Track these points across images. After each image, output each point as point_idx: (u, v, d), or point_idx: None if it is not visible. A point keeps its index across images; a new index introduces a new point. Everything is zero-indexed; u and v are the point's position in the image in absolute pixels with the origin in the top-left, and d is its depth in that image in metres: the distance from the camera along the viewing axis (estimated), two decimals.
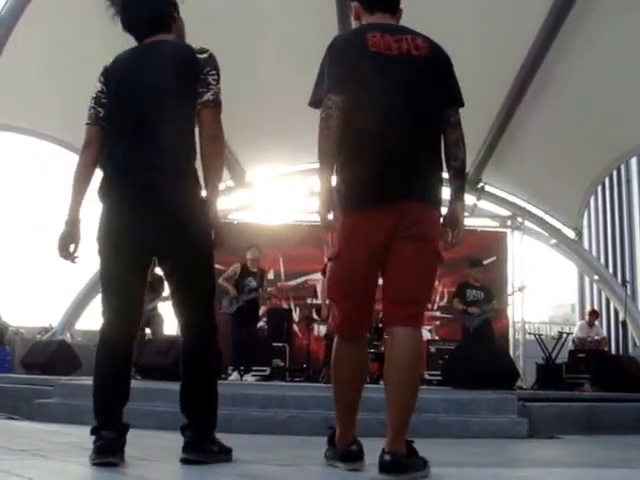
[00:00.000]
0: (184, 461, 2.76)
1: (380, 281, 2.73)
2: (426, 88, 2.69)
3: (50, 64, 10.57)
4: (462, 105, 2.80)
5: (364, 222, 2.61)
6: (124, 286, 2.87)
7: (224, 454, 2.90)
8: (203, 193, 2.90)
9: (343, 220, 2.63)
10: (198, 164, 2.89)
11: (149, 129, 2.83)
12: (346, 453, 2.77)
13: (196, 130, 2.92)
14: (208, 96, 2.85)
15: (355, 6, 2.89)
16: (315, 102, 2.74)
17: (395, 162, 2.60)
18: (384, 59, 2.64)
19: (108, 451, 2.66)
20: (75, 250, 2.96)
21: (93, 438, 2.72)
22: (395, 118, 2.63)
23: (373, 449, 2.69)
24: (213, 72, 2.89)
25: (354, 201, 2.63)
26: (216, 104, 2.87)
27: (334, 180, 2.68)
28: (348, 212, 2.63)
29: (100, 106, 2.96)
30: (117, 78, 2.93)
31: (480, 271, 9.57)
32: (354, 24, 2.96)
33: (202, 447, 2.80)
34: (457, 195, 2.79)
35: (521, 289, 13.25)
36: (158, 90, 2.87)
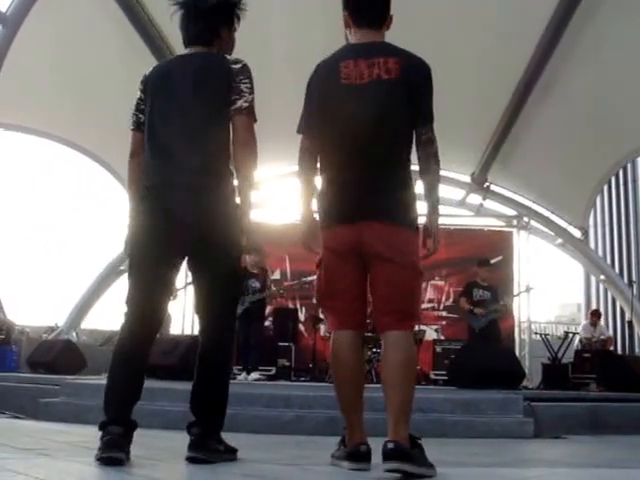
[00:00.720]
0: (190, 459, 2.76)
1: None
2: (392, 111, 2.84)
3: (56, 64, 10.61)
4: (431, 122, 2.90)
5: (335, 238, 2.85)
6: (151, 289, 2.90)
7: (230, 454, 2.91)
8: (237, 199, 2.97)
9: (323, 232, 2.91)
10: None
11: (187, 136, 2.91)
12: (352, 452, 2.76)
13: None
14: (241, 103, 2.94)
15: (345, 15, 3.02)
16: (299, 131, 3.01)
17: (357, 185, 2.81)
18: (354, 90, 2.83)
19: (115, 446, 2.66)
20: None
21: (100, 433, 2.73)
22: (359, 143, 2.82)
23: (379, 448, 2.69)
24: (246, 81, 2.97)
25: (325, 219, 2.90)
26: (249, 111, 2.96)
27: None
28: (323, 228, 2.91)
29: (141, 112, 3.08)
30: (153, 88, 3.04)
31: (488, 270, 9.54)
32: (345, 32, 3.08)
33: (208, 446, 2.81)
34: (431, 209, 2.92)
35: (527, 290, 13.22)
36: (193, 99, 2.95)
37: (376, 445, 2.75)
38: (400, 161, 2.87)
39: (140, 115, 3.07)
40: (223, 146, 2.95)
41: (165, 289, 2.97)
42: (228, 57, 3.07)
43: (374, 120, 2.81)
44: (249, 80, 2.98)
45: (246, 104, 2.94)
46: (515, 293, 13.31)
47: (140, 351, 2.90)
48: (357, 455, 2.75)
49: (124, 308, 2.93)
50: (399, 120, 2.84)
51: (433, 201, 2.92)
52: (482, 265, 9.51)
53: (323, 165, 2.93)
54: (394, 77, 2.80)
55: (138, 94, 3.11)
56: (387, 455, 2.48)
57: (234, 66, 2.99)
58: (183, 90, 2.97)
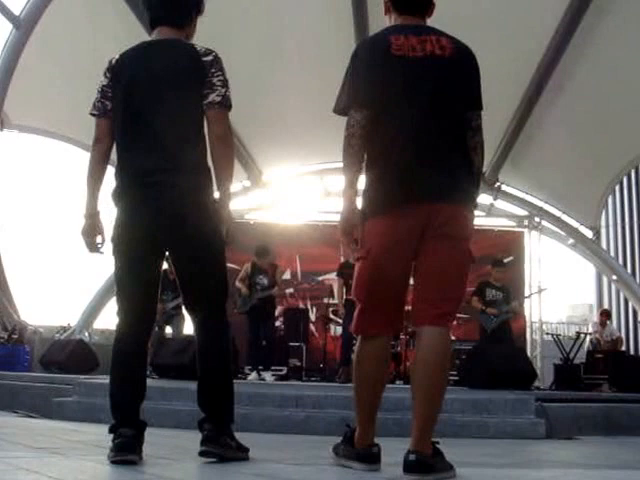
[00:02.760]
0: (203, 453, 2.77)
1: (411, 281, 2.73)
2: (451, 89, 2.70)
3: (70, 66, 10.67)
4: (482, 109, 2.79)
5: (395, 223, 2.62)
6: (138, 286, 2.91)
7: (242, 451, 2.91)
8: (215, 192, 2.95)
9: (374, 221, 2.65)
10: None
11: (159, 130, 2.87)
12: (365, 454, 2.72)
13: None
14: (213, 97, 2.88)
15: (386, 2, 2.89)
16: (338, 110, 2.78)
17: (424, 164, 2.63)
18: (408, 61, 2.66)
19: (127, 449, 2.68)
20: (102, 242, 3.02)
21: (112, 436, 2.75)
22: (422, 121, 2.66)
23: (389, 449, 2.70)
24: (218, 74, 2.91)
25: (384, 203, 2.64)
26: (222, 105, 2.90)
27: (362, 185, 2.72)
28: (378, 214, 2.65)
29: (107, 99, 2.99)
30: (125, 77, 2.96)
31: (501, 271, 9.51)
32: (385, 19, 2.94)
33: (221, 440, 2.81)
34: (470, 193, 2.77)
35: (539, 292, 13.15)
36: (167, 91, 2.90)
37: (383, 443, 2.76)
38: (462, 139, 2.74)
39: (107, 102, 2.98)
40: (198, 141, 2.90)
41: (151, 285, 2.96)
42: (198, 48, 2.97)
43: (434, 95, 2.67)
44: (222, 72, 2.92)
45: (219, 98, 2.89)
46: (527, 294, 13.28)
47: (138, 351, 2.93)
48: (369, 456, 2.70)
49: (116, 309, 2.94)
50: (456, 98, 2.72)
51: (473, 193, 2.79)
52: (496, 265, 9.48)
53: (375, 143, 2.69)
54: (448, 55, 2.70)
55: (104, 81, 3.00)
56: (409, 467, 2.43)
57: (205, 58, 2.92)
58: (158, 83, 2.90)
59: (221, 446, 2.80)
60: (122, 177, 2.92)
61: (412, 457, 2.42)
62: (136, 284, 2.91)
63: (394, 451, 2.58)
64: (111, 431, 2.77)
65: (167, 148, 2.85)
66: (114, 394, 2.88)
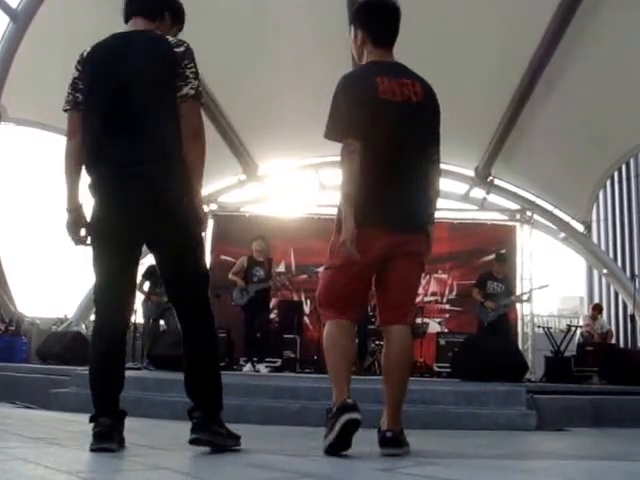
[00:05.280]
0: (193, 441, 2.80)
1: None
2: (419, 130, 3.14)
3: (68, 59, 10.63)
4: (439, 144, 3.24)
5: (365, 239, 2.99)
6: (117, 278, 2.95)
7: (233, 439, 2.94)
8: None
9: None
10: None
11: (129, 120, 2.87)
12: (341, 407, 2.87)
13: None
14: (187, 90, 2.88)
15: (361, 34, 3.23)
16: (332, 138, 3.09)
17: (391, 195, 3.06)
18: (391, 106, 3.06)
19: (105, 437, 2.73)
20: (87, 233, 3.01)
21: (92, 425, 2.79)
22: (394, 156, 3.07)
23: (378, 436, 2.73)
24: (191, 65, 2.91)
25: (358, 222, 2.98)
26: (195, 98, 2.91)
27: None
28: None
29: (77, 91, 3.00)
30: (94, 66, 2.97)
31: (502, 265, 9.62)
32: (353, 48, 3.30)
33: (211, 428, 2.85)
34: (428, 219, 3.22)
35: (542, 287, 13.20)
36: (136, 80, 2.89)
37: (377, 437, 2.83)
38: (425, 173, 3.17)
39: (77, 94, 2.98)
40: (172, 132, 2.88)
41: (129, 277, 3.02)
42: (170, 39, 2.98)
43: (407, 136, 3.09)
44: (193, 64, 2.92)
45: (192, 91, 2.89)
46: (527, 290, 13.31)
47: (116, 342, 2.96)
48: (346, 407, 2.86)
49: (94, 299, 2.99)
50: (422, 138, 3.15)
51: (431, 214, 3.23)
52: (499, 259, 9.65)
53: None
54: (421, 100, 3.11)
55: (76, 73, 3.01)
56: (387, 442, 2.94)
57: (177, 49, 2.91)
58: (130, 75, 2.89)
59: (211, 433, 2.83)
60: (100, 168, 2.91)
61: (389, 434, 2.95)
62: (115, 276, 2.94)
63: None
64: (91, 420, 2.82)
65: (148, 140, 2.86)
66: (93, 386, 2.92)
